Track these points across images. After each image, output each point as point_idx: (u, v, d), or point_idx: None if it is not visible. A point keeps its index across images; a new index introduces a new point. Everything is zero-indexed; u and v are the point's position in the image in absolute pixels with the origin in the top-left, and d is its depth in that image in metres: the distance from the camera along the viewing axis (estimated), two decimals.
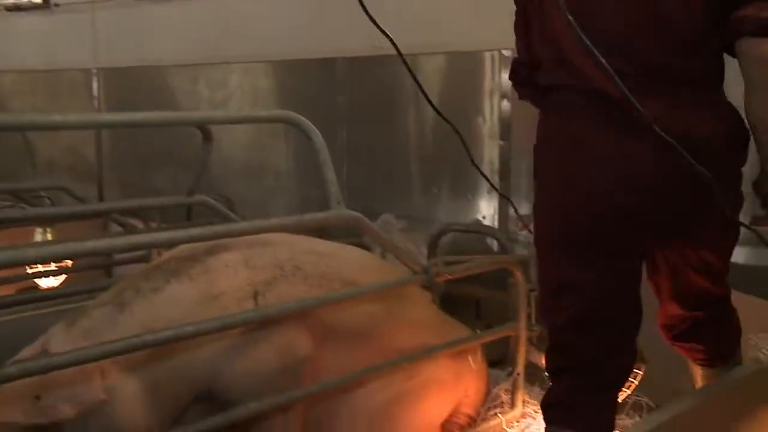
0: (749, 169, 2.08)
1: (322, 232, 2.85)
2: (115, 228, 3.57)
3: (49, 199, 4.24)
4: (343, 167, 4.37)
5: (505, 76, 3.93)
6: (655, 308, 2.31)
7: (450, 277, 2.53)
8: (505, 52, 3.93)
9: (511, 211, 3.85)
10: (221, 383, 2.06)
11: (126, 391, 1.93)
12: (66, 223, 3.73)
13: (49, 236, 3.99)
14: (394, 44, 2.41)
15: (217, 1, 4.93)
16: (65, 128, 1.87)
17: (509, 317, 2.89)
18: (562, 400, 2.06)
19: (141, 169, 5.60)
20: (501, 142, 3.94)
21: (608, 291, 2.00)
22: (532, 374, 2.87)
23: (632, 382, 2.52)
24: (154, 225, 3.53)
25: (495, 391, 2.83)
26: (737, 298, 2.35)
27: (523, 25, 2.14)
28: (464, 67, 4.12)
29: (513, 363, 2.78)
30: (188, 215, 3.36)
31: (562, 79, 1.95)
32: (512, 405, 2.75)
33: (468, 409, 2.74)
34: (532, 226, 2.32)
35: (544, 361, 2.72)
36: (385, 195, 4.43)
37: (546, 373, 2.82)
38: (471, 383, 2.73)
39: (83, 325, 1.98)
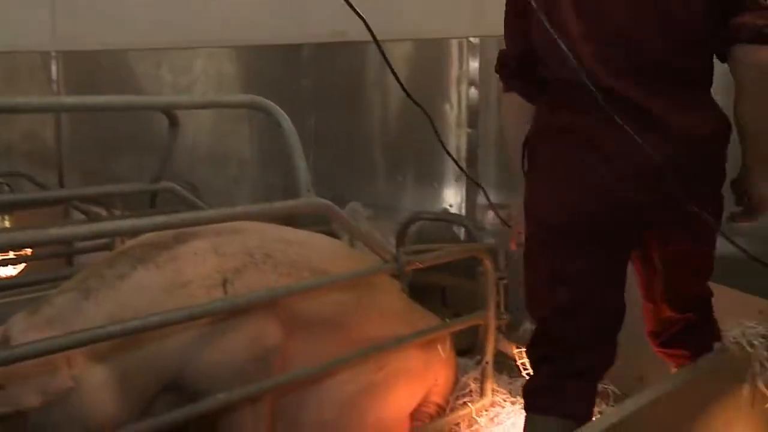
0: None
1: (290, 220, 2.82)
2: (77, 215, 3.50)
3: (7, 185, 4.13)
4: (309, 155, 4.33)
5: (474, 64, 3.93)
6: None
7: (420, 265, 2.51)
8: (473, 40, 3.92)
9: (479, 199, 3.85)
10: (190, 373, 2.02)
11: (92, 380, 1.88)
12: (25, 210, 3.64)
13: (7, 224, 3.89)
14: (369, 29, 2.37)
15: None
16: (28, 111, 1.81)
17: (476, 306, 2.89)
18: (544, 387, 2.07)
19: (102, 155, 5.50)
20: (468, 130, 3.94)
21: (601, 282, 2.04)
22: (500, 363, 2.88)
23: None
24: (117, 212, 3.45)
25: (464, 380, 2.83)
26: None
27: (514, 16, 2.12)
28: (431, 55, 4.10)
29: (482, 352, 2.78)
30: (152, 203, 3.30)
31: (569, 74, 1.92)
32: (481, 394, 2.75)
33: (437, 398, 2.74)
34: (507, 216, 2.32)
35: (514, 350, 2.74)
36: (351, 183, 4.40)
37: (515, 362, 2.85)
38: (440, 372, 2.72)
39: (46, 313, 1.92)
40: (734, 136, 2.04)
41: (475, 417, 2.67)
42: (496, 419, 2.69)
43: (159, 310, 1.86)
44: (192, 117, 4.38)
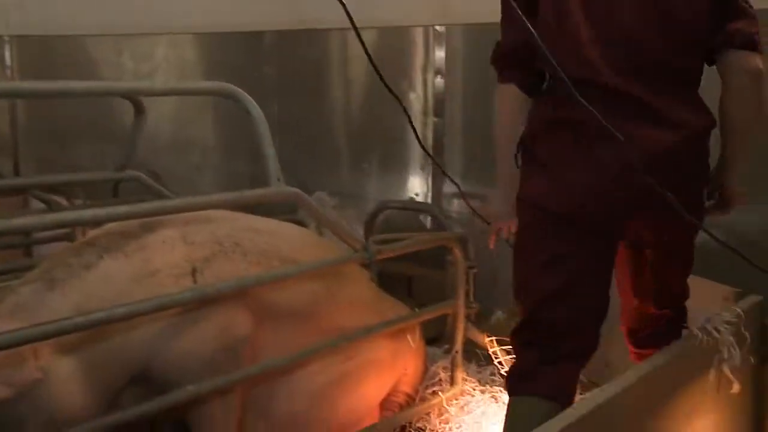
0: None
1: (254, 208, 2.77)
2: (36, 204, 3.41)
3: None
4: (273, 143, 4.28)
5: (440, 53, 3.91)
6: None
7: (391, 254, 2.49)
8: (439, 28, 3.91)
9: (445, 188, 3.85)
10: (158, 364, 1.98)
11: (59, 372, 1.83)
12: None
13: None
14: (349, 16, 2.33)
15: None
16: None
17: (442, 295, 2.89)
18: (528, 371, 2.10)
19: (60, 144, 5.37)
20: (435, 119, 3.93)
21: (593, 269, 2.10)
22: (468, 352, 2.88)
23: None
24: (78, 202, 3.37)
25: (433, 369, 2.83)
26: None
27: (508, 8, 2.11)
28: (396, 43, 4.08)
29: (451, 341, 2.78)
30: (115, 192, 3.23)
31: (577, 72, 1.98)
32: (452, 383, 2.75)
33: (406, 388, 2.73)
34: (481, 209, 2.33)
35: (485, 339, 2.74)
36: (314, 171, 4.36)
37: (485, 351, 2.85)
38: (409, 362, 2.72)
39: (10, 303, 1.86)
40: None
41: (446, 406, 2.67)
42: (466, 408, 2.69)
43: (127, 299, 1.82)
44: (153, 104, 4.29)
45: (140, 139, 2.57)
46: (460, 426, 2.62)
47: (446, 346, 2.89)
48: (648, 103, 1.99)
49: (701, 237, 2.16)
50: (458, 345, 2.75)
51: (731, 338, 2.30)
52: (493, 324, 2.62)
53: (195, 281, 2.05)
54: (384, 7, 3.97)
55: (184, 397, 1.94)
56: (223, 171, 4.66)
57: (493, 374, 2.88)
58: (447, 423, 2.65)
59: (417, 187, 4.03)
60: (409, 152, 4.08)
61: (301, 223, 3.10)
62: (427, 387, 2.78)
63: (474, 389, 2.77)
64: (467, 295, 2.79)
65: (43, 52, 5.45)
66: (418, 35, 3.97)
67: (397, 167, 4.13)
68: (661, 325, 2.31)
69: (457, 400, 2.72)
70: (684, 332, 2.31)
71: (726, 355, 2.29)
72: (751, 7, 2.04)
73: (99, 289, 1.92)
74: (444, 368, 2.81)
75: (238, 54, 4.57)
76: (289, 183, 2.19)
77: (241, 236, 2.26)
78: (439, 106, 3.90)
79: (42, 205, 3.22)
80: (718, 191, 2.21)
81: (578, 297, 2.08)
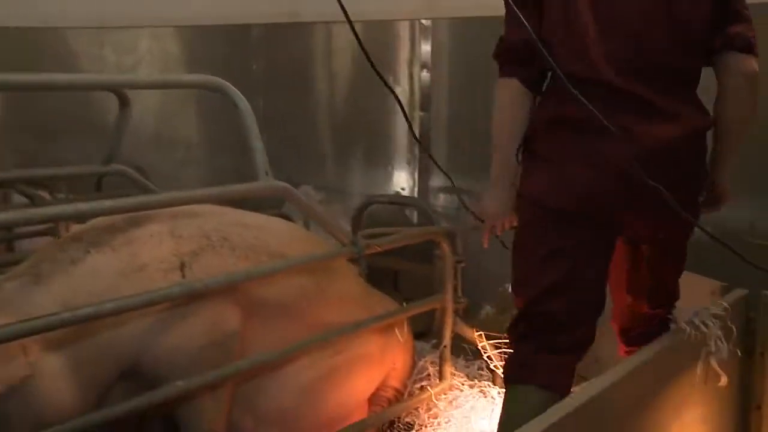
0: None
1: (241, 203, 2.75)
2: (18, 199, 3.36)
3: None
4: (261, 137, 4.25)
5: (426, 47, 3.90)
6: None
7: (379, 249, 2.48)
8: (425, 22, 3.90)
9: (431, 182, 3.85)
10: (148, 360, 1.96)
11: (47, 369, 1.81)
12: None
13: None
14: (343, 9, 2.31)
15: None
16: None
17: (429, 290, 2.88)
18: (525, 360, 2.12)
19: (39, 137, 5.30)
20: (420, 113, 3.92)
21: (591, 264, 2.12)
22: (456, 346, 2.87)
23: None
24: (61, 196, 3.33)
25: (421, 363, 2.82)
26: None
27: (521, 6, 2.11)
28: (382, 37, 4.06)
29: (440, 335, 2.77)
30: (98, 186, 3.19)
31: (582, 70, 2.03)
32: (440, 377, 2.74)
33: (395, 383, 2.72)
34: (475, 206, 2.34)
35: (474, 334, 2.74)
36: (300, 166, 4.34)
37: (474, 346, 2.85)
38: (398, 356, 2.71)
39: None
40: None
41: (435, 401, 2.66)
42: (454, 402, 2.69)
43: (115, 295, 1.80)
44: (136, 98, 4.25)
45: (125, 133, 2.54)
46: (449, 421, 2.61)
47: (434, 341, 2.88)
48: (650, 101, 2.03)
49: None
50: (447, 340, 2.74)
51: (719, 332, 2.31)
52: (482, 319, 2.61)
53: (183, 276, 2.03)
54: (370, 0, 3.95)
55: (173, 393, 1.92)
56: (206, 165, 4.62)
57: (481, 369, 2.88)
58: (436, 418, 2.64)
59: (403, 181, 4.02)
60: (395, 147, 4.07)
61: (287, 218, 3.09)
62: (415, 382, 2.78)
63: (463, 384, 2.77)
64: (455, 289, 2.78)
65: (22, 45, 5.37)
66: (404, 29, 3.96)
67: (382, 162, 4.12)
68: (654, 325, 2.32)
69: (445, 394, 2.72)
70: (672, 326, 2.32)
71: (713, 349, 2.30)
72: (748, 10, 2.10)
73: (86, 284, 1.90)
74: (432, 363, 2.81)
75: (222, 48, 4.53)
76: (274, 177, 2.17)
77: (229, 231, 2.24)
78: (425, 100, 3.90)
79: (24, 200, 3.17)
80: (709, 188, 2.24)
81: (576, 291, 2.10)
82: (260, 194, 2.21)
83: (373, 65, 2.42)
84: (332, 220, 2.55)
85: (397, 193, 3.98)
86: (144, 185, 2.69)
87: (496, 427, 2.48)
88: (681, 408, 2.24)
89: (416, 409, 2.69)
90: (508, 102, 2.17)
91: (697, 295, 2.51)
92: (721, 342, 2.31)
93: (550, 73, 2.12)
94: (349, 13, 3.85)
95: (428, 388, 2.71)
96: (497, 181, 2.23)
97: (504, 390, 2.72)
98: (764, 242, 2.76)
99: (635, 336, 2.36)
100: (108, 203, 1.80)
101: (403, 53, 3.98)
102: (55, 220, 2.74)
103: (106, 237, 2.01)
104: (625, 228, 2.15)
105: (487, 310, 2.60)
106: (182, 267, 2.04)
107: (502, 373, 2.22)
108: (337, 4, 2.40)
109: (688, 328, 2.27)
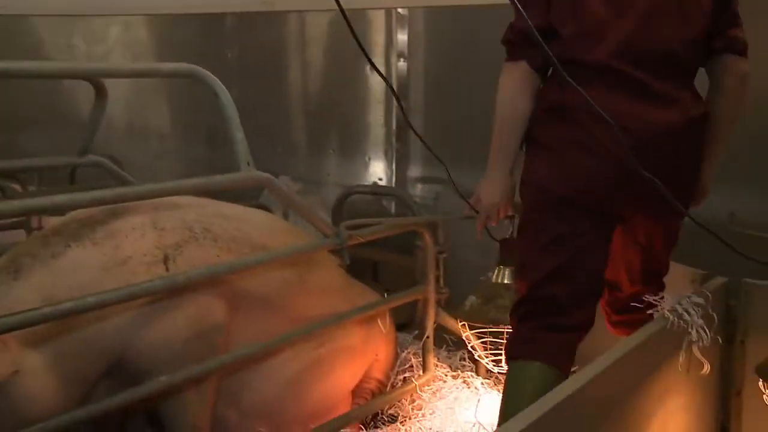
0: None
1: (218, 194, 2.71)
2: None
3: None
4: None
5: (402, 36, 3.87)
6: None
7: (362, 240, 2.46)
8: (401, 11, 3.87)
9: (410, 172, 3.83)
10: (132, 354, 1.93)
11: (28, 364, 1.76)
12: None
13: None
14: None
15: None
16: None
17: (410, 280, 2.86)
18: (526, 337, 2.16)
19: (4, 129, 5.18)
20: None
21: (592, 248, 2.16)
22: (438, 337, 2.86)
23: None
24: (32, 188, 3.25)
25: (404, 355, 2.81)
26: None
27: None
28: (357, 26, 4.01)
29: (422, 326, 2.76)
30: (72, 178, 3.12)
31: (590, 56, 2.08)
32: (424, 368, 2.73)
33: (378, 374, 2.71)
34: (475, 200, 2.34)
35: (458, 324, 2.72)
36: (275, 156, 4.30)
37: (458, 337, 2.84)
38: (381, 347, 2.70)
39: None
40: None
41: (420, 392, 2.65)
42: (438, 393, 2.68)
43: (98, 289, 1.75)
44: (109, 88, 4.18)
45: (101, 123, 2.48)
46: (434, 412, 2.60)
47: (416, 332, 2.87)
48: (653, 88, 2.08)
49: None
50: (429, 330, 2.73)
51: (701, 320, 2.32)
52: (467, 309, 2.60)
53: (167, 269, 1.99)
54: None
55: (158, 388, 1.89)
56: (180, 156, 4.55)
57: (463, 359, 2.88)
58: (420, 409, 2.63)
59: (380, 171, 4.00)
60: (370, 137, 4.04)
61: (265, 208, 3.05)
62: (398, 373, 2.77)
63: (446, 375, 2.77)
64: (437, 280, 2.77)
65: None
66: (380, 18, 3.92)
67: (358, 152, 4.08)
68: (640, 300, 2.35)
69: (429, 386, 2.71)
70: (656, 315, 2.33)
71: (695, 337, 2.31)
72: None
73: (67, 279, 1.86)
74: (415, 354, 2.80)
75: (195, 36, 4.46)
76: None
77: (210, 222, 2.21)
78: (402, 89, 3.86)
79: None
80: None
81: (577, 277, 2.14)
82: (242, 185, 2.17)
83: (365, 53, 2.44)
84: (315, 210, 2.52)
85: (375, 183, 3.95)
86: (122, 177, 2.63)
87: (480, 417, 2.49)
88: (665, 396, 2.25)
89: (400, 400, 2.67)
90: (513, 86, 2.18)
91: (677, 284, 2.53)
92: (703, 330, 2.33)
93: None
94: (324, 2, 3.82)
95: (412, 379, 2.70)
96: (495, 168, 2.24)
97: (487, 380, 2.74)
98: (743, 230, 2.79)
99: (622, 310, 2.40)
100: (89, 195, 1.75)
101: (380, 42, 3.94)
102: (32, 213, 2.67)
103: (86, 230, 1.97)
104: (624, 213, 2.19)
105: (472, 300, 2.59)
106: (166, 260, 2.00)
107: (504, 351, 2.26)
108: None
109: (671, 317, 2.28)
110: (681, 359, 2.31)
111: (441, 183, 3.73)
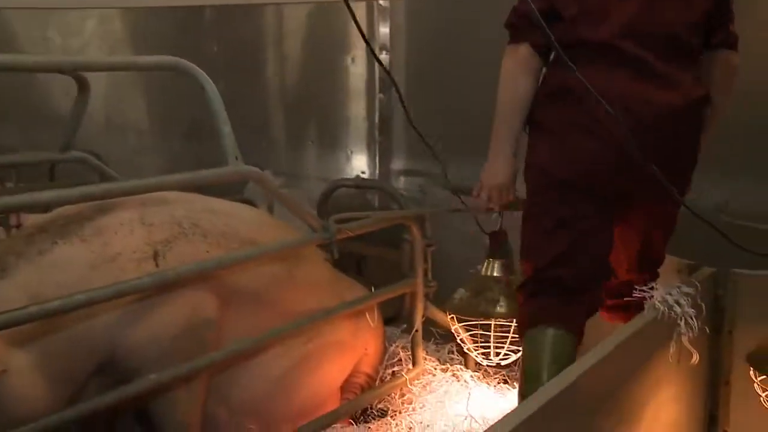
0: None
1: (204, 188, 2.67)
2: None
3: None
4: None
5: (384, 28, 3.84)
6: None
7: (351, 234, 2.43)
8: (383, 3, 3.84)
9: (394, 165, 3.81)
10: (122, 352, 1.89)
11: (14, 365, 1.72)
12: None
13: None
14: None
15: None
16: None
17: (394, 273, 2.84)
18: (539, 308, 2.19)
19: None
20: (380, 95, 3.86)
21: (596, 232, 2.20)
22: (426, 331, 2.85)
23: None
24: (10, 185, 3.18)
25: (392, 349, 2.79)
26: None
27: None
28: (337, 18, 3.98)
29: (410, 320, 2.74)
30: (51, 175, 3.06)
31: (596, 36, 2.10)
32: (414, 362, 2.72)
33: (367, 368, 2.69)
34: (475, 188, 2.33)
35: (447, 317, 2.71)
36: (256, 150, 4.25)
37: (438, 329, 2.84)
38: (369, 342, 2.68)
39: None
40: None
41: (409, 386, 2.63)
42: (428, 387, 2.67)
43: (86, 286, 1.72)
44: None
45: (83, 118, 2.43)
46: (423, 406, 2.59)
47: (404, 326, 2.85)
48: (656, 68, 2.11)
49: None
50: (418, 324, 2.72)
51: (690, 310, 2.33)
52: (456, 302, 2.58)
53: (157, 265, 1.96)
54: None
55: (148, 386, 1.85)
56: (159, 151, 4.49)
57: (452, 353, 2.87)
58: (410, 403, 2.61)
59: (363, 165, 3.97)
60: (352, 130, 4.01)
61: (249, 203, 3.02)
62: (387, 367, 2.75)
63: (435, 368, 2.75)
64: (425, 273, 2.75)
65: None
66: (361, 10, 3.89)
67: (340, 145, 4.05)
68: (631, 287, 2.37)
69: (419, 379, 2.69)
70: (647, 306, 2.34)
71: (684, 328, 2.32)
72: None
73: (55, 276, 1.82)
74: (403, 348, 2.78)
75: (171, 29, 4.40)
76: (227, 162, 2.09)
77: (198, 217, 2.18)
78: (384, 82, 3.83)
79: None
80: None
81: (581, 260, 2.17)
82: (230, 179, 2.14)
83: (368, 43, 2.49)
84: (303, 205, 2.50)
85: (358, 176, 3.93)
86: (106, 173, 2.58)
87: (470, 410, 2.49)
88: (656, 387, 2.26)
89: (390, 395, 2.66)
90: (514, 68, 2.19)
91: (665, 274, 2.53)
92: (692, 320, 2.34)
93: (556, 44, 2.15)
94: None
95: (402, 373, 2.68)
96: (498, 150, 2.24)
97: (476, 372, 2.73)
98: (733, 220, 2.81)
99: (616, 295, 2.40)
100: (76, 191, 1.70)
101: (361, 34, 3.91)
102: (16, 211, 2.61)
103: (73, 227, 1.92)
104: (626, 201, 2.21)
105: (462, 293, 2.58)
106: (155, 256, 1.97)
107: (517, 324, 2.30)
108: None
109: (662, 307, 2.28)
110: (671, 350, 2.32)
111: (424, 176, 3.72)
